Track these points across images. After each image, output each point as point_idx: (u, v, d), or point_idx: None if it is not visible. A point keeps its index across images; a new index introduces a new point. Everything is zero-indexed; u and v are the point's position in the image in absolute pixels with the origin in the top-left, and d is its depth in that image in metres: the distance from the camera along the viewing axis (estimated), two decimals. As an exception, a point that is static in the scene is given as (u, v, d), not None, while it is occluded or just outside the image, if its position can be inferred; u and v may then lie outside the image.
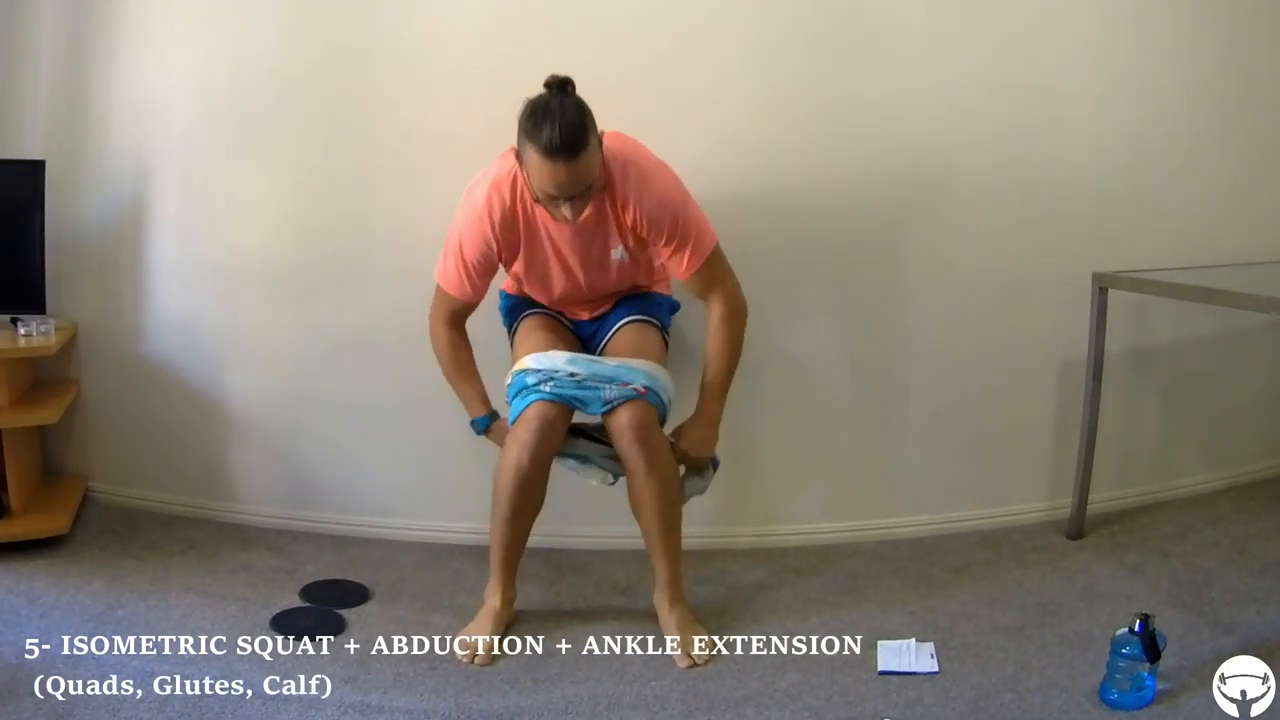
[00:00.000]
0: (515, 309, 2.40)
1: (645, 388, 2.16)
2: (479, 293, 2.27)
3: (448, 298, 2.27)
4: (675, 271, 2.25)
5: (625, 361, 2.21)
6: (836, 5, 2.56)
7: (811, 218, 2.63)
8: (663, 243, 2.18)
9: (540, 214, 2.16)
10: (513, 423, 2.17)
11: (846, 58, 2.58)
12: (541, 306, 2.39)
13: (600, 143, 2.05)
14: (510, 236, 2.19)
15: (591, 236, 2.20)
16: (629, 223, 2.17)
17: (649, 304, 2.39)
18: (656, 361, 2.26)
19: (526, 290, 2.36)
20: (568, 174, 1.97)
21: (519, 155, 2.04)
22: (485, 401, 2.31)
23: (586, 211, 2.11)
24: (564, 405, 2.15)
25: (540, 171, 1.98)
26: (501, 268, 2.29)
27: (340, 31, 2.56)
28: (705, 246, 2.20)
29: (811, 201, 2.62)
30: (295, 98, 2.60)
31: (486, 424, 2.31)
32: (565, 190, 2.00)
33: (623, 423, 2.14)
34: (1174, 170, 2.81)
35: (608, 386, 2.15)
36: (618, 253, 2.24)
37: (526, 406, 2.14)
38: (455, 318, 2.30)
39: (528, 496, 2.18)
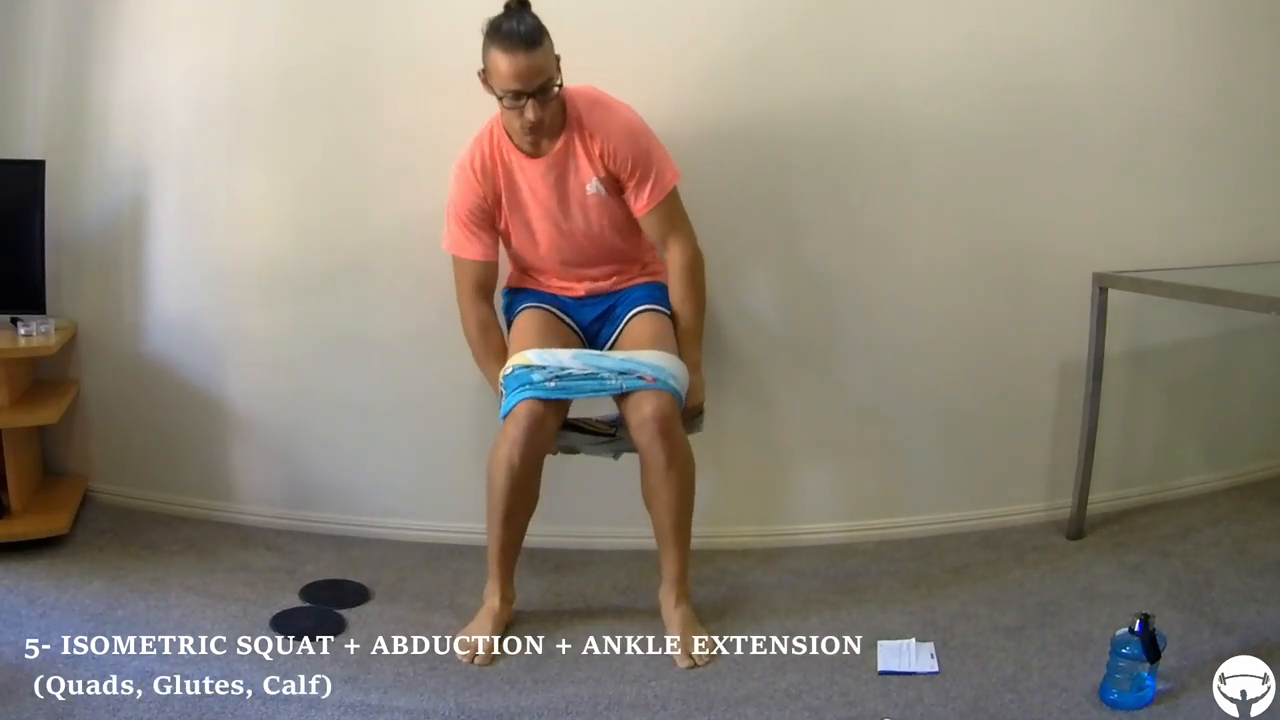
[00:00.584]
0: (513, 305, 2.41)
1: (652, 378, 2.16)
2: (489, 249, 2.31)
3: (464, 265, 2.32)
4: (636, 207, 2.29)
5: (631, 355, 2.22)
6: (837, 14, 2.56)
7: (807, 217, 2.63)
8: (628, 173, 2.24)
9: (517, 158, 2.25)
10: (503, 418, 2.17)
11: (841, 58, 2.58)
12: (538, 298, 2.39)
13: (556, 56, 2.15)
14: (492, 182, 2.27)
15: (564, 169, 2.25)
16: (598, 153, 2.23)
17: (655, 292, 2.39)
18: (672, 352, 2.26)
19: (516, 248, 2.36)
20: (527, 63, 2.07)
21: (484, 71, 2.16)
22: None
23: (558, 144, 2.22)
24: (555, 401, 2.15)
25: (502, 67, 2.10)
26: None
27: (340, 31, 2.57)
28: (667, 182, 2.27)
29: (807, 200, 2.62)
30: (295, 98, 2.60)
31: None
32: (526, 81, 2.09)
33: (645, 414, 2.13)
34: (1174, 170, 2.81)
35: (614, 376, 2.16)
36: (592, 186, 2.26)
37: (516, 404, 2.14)
38: (480, 289, 2.32)
39: (521, 495, 2.18)
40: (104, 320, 2.77)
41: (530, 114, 2.12)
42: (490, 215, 2.30)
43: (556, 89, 2.15)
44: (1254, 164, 2.91)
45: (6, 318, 2.61)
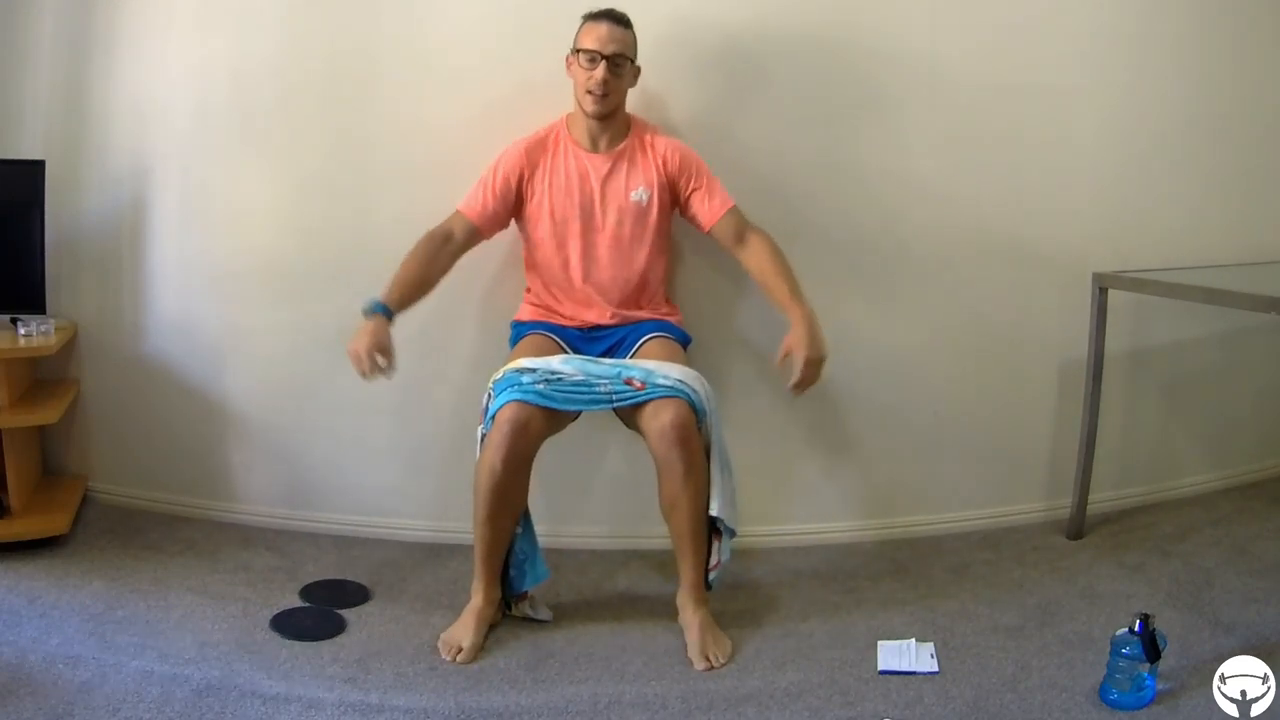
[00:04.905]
0: (519, 335, 2.42)
1: (642, 382, 2.16)
2: (487, 220, 2.36)
3: (455, 215, 2.37)
4: (705, 216, 2.38)
5: (622, 362, 2.23)
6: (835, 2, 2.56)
7: (808, 217, 2.63)
8: (691, 180, 2.37)
9: (573, 148, 2.37)
10: (490, 419, 2.17)
11: (841, 57, 2.58)
12: (546, 328, 2.40)
13: (636, 59, 2.34)
14: (538, 158, 2.37)
15: (617, 167, 2.36)
16: (657, 160, 2.36)
17: (666, 326, 2.42)
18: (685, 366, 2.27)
19: (540, 246, 2.38)
20: (609, 31, 2.29)
21: (569, 55, 2.33)
22: (399, 300, 2.26)
23: (620, 145, 2.36)
24: (540, 407, 2.14)
25: (587, 34, 2.30)
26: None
27: (340, 31, 2.57)
28: (728, 196, 2.39)
29: (810, 200, 2.62)
30: (295, 97, 2.60)
31: (378, 310, 2.23)
32: (604, 43, 2.27)
33: (664, 422, 2.13)
34: (1174, 170, 2.81)
35: (602, 382, 2.16)
36: (638, 193, 2.34)
37: (501, 407, 2.14)
38: (448, 235, 2.35)
39: (503, 499, 2.17)
40: (104, 320, 2.77)
41: (598, 73, 2.26)
42: (513, 192, 2.37)
43: (629, 65, 2.32)
44: (1254, 164, 2.91)
45: (6, 318, 2.61)
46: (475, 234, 2.38)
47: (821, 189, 2.62)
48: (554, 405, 2.15)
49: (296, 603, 2.36)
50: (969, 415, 2.78)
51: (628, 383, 2.16)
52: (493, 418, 2.15)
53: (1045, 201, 2.72)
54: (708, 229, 2.38)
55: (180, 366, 2.75)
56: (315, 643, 2.17)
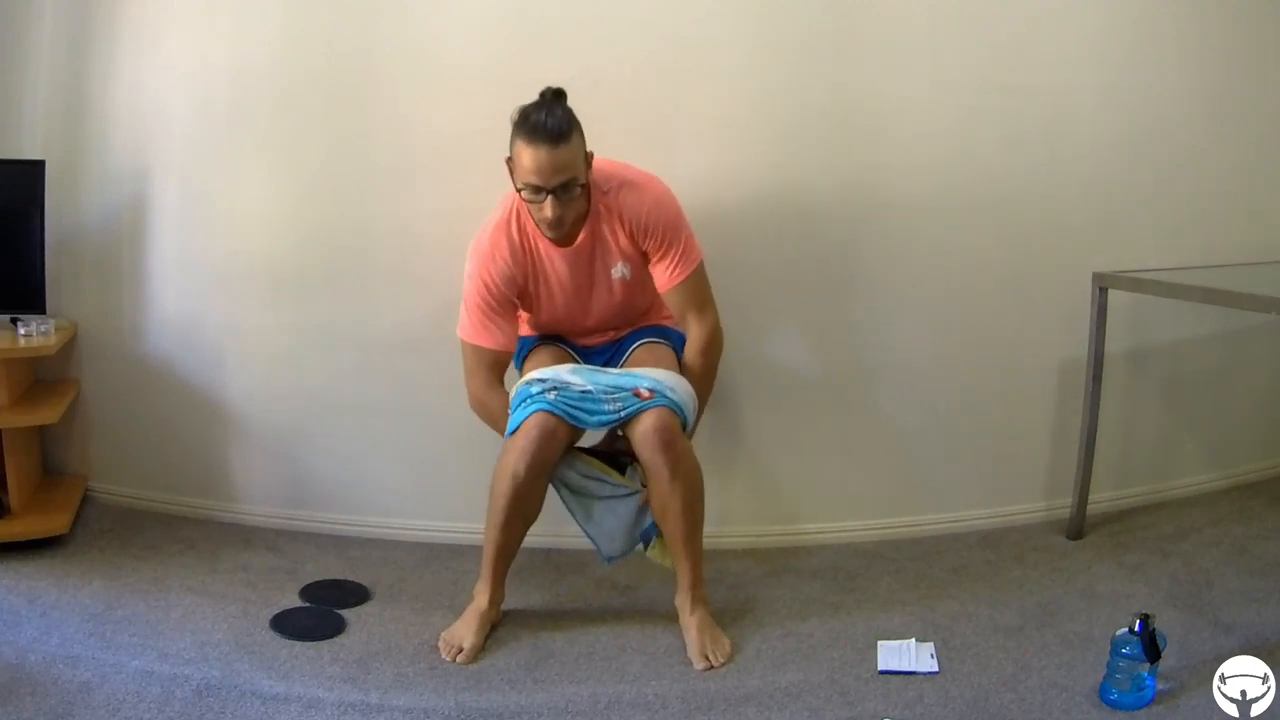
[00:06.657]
0: (525, 345, 2.41)
1: (650, 390, 2.16)
2: (509, 338, 2.26)
3: (478, 353, 2.26)
4: (660, 282, 2.28)
5: (630, 370, 2.23)
6: (836, 7, 2.56)
7: (809, 216, 2.63)
8: (654, 245, 2.23)
9: (544, 246, 2.23)
10: (512, 432, 2.17)
11: (844, 59, 2.58)
12: (552, 339, 2.40)
13: (586, 153, 2.12)
14: (522, 266, 2.24)
15: (590, 259, 2.25)
16: (627, 233, 2.22)
17: (662, 331, 2.42)
18: (675, 372, 2.27)
19: (535, 315, 2.36)
20: (550, 159, 2.04)
21: (510, 160, 2.13)
22: None
23: (580, 237, 2.20)
24: (564, 419, 2.14)
25: (524, 160, 2.06)
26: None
27: (340, 31, 2.57)
28: (692, 260, 2.26)
29: (809, 199, 2.62)
30: (295, 98, 2.60)
31: None
32: (547, 177, 2.05)
33: (646, 427, 2.13)
34: (1174, 170, 2.81)
35: (611, 398, 2.15)
36: (618, 271, 2.28)
37: (527, 416, 2.14)
38: (494, 372, 2.27)
39: (522, 505, 2.18)
40: (104, 320, 2.77)
41: (548, 211, 2.09)
42: (513, 300, 2.26)
43: (579, 188, 2.12)
44: (1254, 164, 2.91)
45: (6, 318, 2.61)
46: (507, 355, 2.29)
47: (823, 188, 2.62)
48: (567, 419, 2.15)
49: (296, 603, 2.36)
50: (969, 415, 2.78)
51: (635, 393, 2.16)
52: (514, 430, 2.15)
53: (1045, 201, 2.72)
54: (662, 293, 2.30)
55: (180, 366, 2.75)
56: (315, 643, 2.18)
